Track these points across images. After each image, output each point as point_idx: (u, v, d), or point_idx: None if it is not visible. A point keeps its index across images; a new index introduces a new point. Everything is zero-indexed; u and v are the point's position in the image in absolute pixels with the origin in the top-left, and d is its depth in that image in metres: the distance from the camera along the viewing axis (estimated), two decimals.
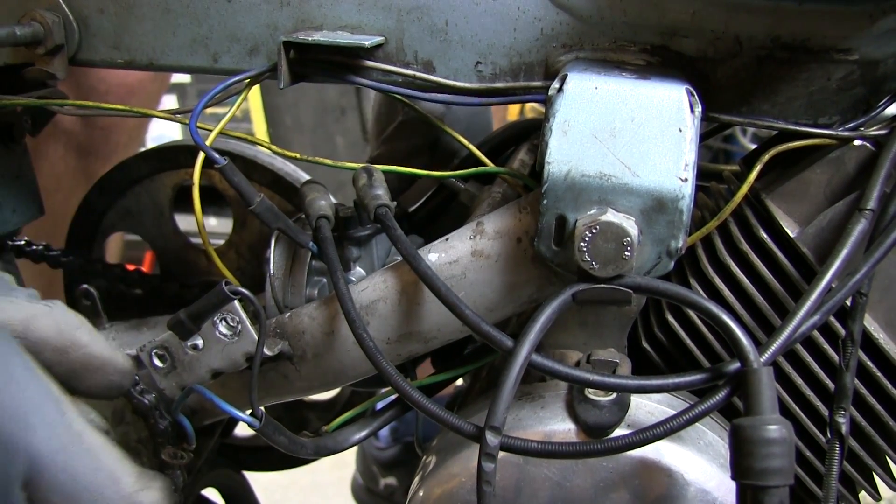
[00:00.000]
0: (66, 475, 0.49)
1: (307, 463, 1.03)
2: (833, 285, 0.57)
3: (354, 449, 1.81)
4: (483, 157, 0.70)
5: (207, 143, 0.62)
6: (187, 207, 0.95)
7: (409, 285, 0.65)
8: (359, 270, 0.74)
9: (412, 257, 0.61)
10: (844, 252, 0.57)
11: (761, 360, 0.53)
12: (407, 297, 0.65)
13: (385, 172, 0.69)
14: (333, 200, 0.70)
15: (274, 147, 0.72)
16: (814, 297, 0.55)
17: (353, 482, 1.86)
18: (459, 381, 0.99)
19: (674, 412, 0.56)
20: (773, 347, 0.54)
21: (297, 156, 0.71)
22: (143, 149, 0.97)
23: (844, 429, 0.59)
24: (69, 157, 1.37)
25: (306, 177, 0.87)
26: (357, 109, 2.97)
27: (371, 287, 0.66)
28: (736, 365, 0.54)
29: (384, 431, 1.73)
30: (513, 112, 2.20)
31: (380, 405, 0.75)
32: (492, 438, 0.54)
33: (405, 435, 1.73)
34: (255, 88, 0.70)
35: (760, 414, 0.51)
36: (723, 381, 0.55)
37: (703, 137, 0.85)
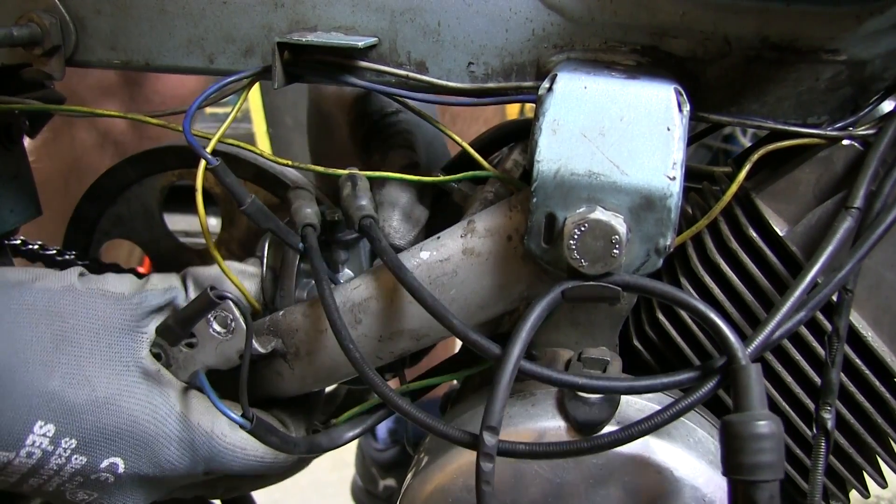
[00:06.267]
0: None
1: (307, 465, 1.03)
2: (819, 281, 0.57)
3: (354, 450, 1.82)
4: (478, 157, 0.70)
5: (208, 150, 0.63)
6: (176, 208, 0.95)
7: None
8: (347, 272, 0.75)
9: (398, 269, 0.62)
10: (830, 249, 0.57)
11: (746, 353, 0.53)
12: (398, 295, 0.66)
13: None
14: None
15: (266, 153, 0.72)
16: (798, 292, 0.56)
17: (353, 484, 1.86)
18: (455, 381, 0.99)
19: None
20: (756, 341, 0.55)
21: (289, 163, 0.72)
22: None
23: (830, 424, 0.60)
24: None
25: (291, 170, 0.86)
26: None
27: (364, 285, 0.67)
28: (724, 361, 0.55)
29: (382, 433, 1.73)
30: (512, 112, 2.20)
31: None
32: (489, 439, 0.55)
33: (404, 436, 1.73)
34: (256, 88, 0.71)
35: (749, 410, 0.52)
36: (711, 377, 0.56)
37: (697, 138, 0.86)
